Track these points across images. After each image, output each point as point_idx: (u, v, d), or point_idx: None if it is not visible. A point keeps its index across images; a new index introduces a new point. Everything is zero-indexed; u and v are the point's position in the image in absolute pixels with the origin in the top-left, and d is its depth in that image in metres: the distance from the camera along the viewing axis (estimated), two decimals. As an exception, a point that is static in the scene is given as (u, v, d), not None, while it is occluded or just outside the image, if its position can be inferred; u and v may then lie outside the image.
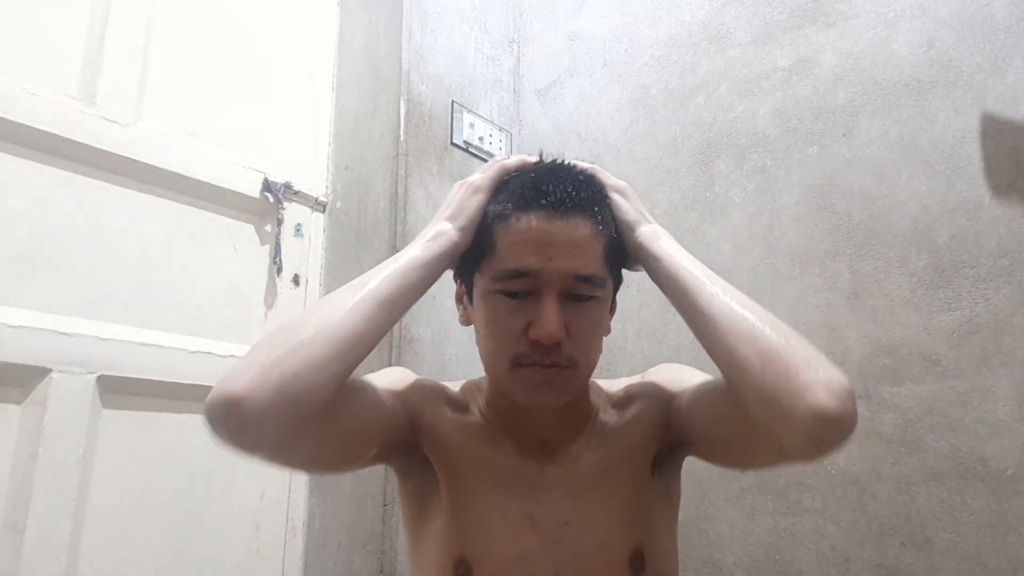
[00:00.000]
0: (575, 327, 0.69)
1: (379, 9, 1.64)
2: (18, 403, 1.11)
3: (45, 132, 1.18)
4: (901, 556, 1.13)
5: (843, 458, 1.20)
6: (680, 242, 0.74)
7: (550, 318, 0.66)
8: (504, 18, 1.88)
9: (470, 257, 0.73)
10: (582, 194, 0.70)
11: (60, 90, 1.22)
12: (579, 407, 0.78)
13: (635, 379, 0.85)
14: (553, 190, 0.69)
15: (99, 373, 1.18)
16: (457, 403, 0.79)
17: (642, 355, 1.47)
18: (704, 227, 1.44)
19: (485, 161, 1.73)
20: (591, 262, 0.69)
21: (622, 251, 0.74)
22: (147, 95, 1.33)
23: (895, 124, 1.25)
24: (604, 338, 0.76)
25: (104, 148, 1.25)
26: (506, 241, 0.70)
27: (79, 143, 1.22)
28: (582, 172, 0.75)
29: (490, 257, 0.71)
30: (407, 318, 1.42)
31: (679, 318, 0.70)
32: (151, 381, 1.24)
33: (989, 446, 1.08)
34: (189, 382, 1.28)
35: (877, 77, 1.28)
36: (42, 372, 1.12)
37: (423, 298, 0.71)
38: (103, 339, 1.19)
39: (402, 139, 1.53)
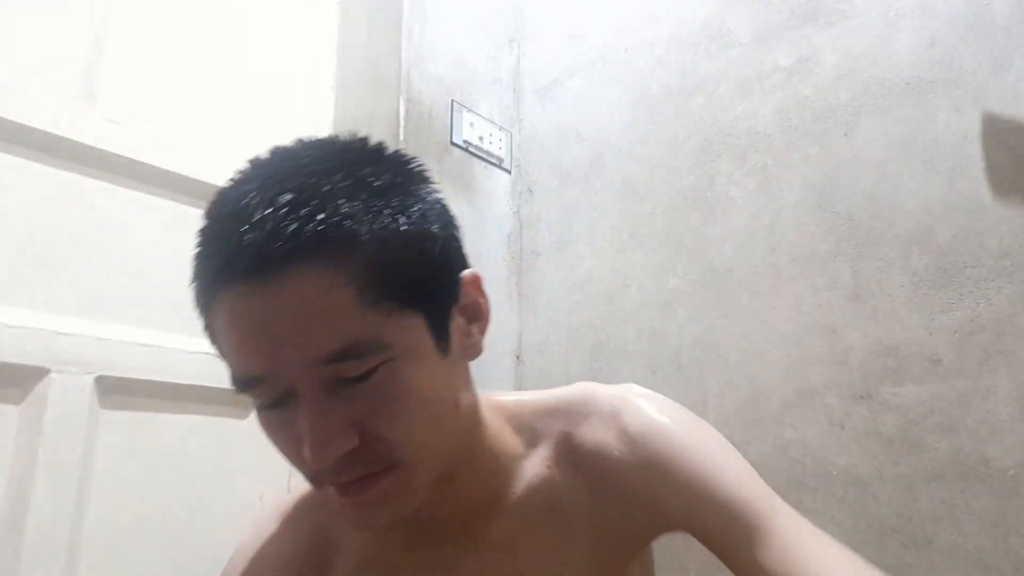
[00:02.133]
0: (373, 417, 0.46)
1: (379, 8, 1.64)
2: (16, 404, 1.11)
3: (44, 131, 1.18)
4: (902, 556, 1.12)
5: (844, 459, 1.20)
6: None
7: (312, 435, 0.45)
8: (504, 17, 1.88)
9: None
10: (296, 222, 0.42)
11: (60, 89, 1.22)
12: (476, 470, 0.57)
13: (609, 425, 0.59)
14: (238, 243, 0.42)
15: (98, 373, 1.17)
16: None
17: (642, 356, 1.46)
18: (705, 227, 1.44)
19: (485, 160, 1.73)
20: (339, 329, 0.44)
21: (411, 263, 0.49)
22: (148, 94, 1.33)
23: (896, 124, 1.25)
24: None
25: (104, 148, 1.24)
26: (220, 340, 0.48)
27: (79, 143, 1.21)
28: (311, 165, 0.47)
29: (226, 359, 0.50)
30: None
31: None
32: (150, 381, 1.23)
33: (991, 446, 1.08)
34: (188, 382, 1.28)
35: (878, 76, 1.28)
36: (40, 372, 1.12)
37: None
38: (102, 339, 1.19)
39: (402, 138, 1.53)
